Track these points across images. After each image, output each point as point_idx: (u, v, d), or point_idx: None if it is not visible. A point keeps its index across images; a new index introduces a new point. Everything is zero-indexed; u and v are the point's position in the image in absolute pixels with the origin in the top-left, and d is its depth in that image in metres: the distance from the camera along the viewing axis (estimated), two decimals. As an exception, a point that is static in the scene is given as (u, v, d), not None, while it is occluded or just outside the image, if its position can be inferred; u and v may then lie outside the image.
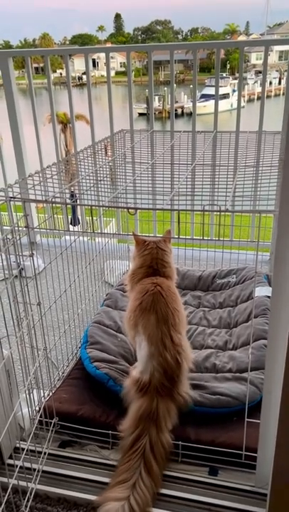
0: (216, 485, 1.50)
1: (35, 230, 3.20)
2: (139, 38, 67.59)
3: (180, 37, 69.30)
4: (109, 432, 1.64)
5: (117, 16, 71.74)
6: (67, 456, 1.64)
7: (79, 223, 3.49)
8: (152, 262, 1.89)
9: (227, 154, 2.28)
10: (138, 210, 3.11)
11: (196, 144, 2.48)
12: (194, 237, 2.83)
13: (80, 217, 3.69)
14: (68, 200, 1.87)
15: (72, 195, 2.01)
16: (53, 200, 1.49)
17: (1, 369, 1.49)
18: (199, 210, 1.33)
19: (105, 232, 3.32)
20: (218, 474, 1.55)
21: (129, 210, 1.32)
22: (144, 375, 1.62)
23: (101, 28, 70.78)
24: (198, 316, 2.32)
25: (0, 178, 3.30)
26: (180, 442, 1.57)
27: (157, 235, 2.96)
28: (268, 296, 2.20)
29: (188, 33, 68.92)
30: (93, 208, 2.83)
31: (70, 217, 4.20)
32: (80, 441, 1.70)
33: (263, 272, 2.54)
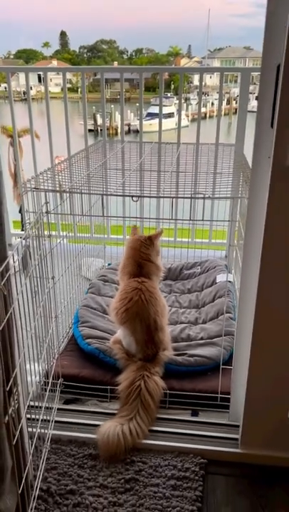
0: (197, 421, 1.89)
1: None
2: (85, 55, 68.35)
3: (125, 56, 70.82)
4: (108, 387, 1.98)
5: (62, 34, 72.17)
6: (73, 409, 1.96)
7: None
8: (135, 253, 2.25)
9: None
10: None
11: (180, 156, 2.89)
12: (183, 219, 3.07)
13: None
14: None
15: None
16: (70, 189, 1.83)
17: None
18: (185, 197, 1.73)
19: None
20: (199, 415, 1.93)
21: (133, 198, 1.70)
22: (135, 357, 2.10)
23: (46, 45, 70.80)
24: (171, 299, 2.72)
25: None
26: (167, 391, 1.94)
27: (127, 237, 3.32)
28: (229, 281, 2.65)
29: (133, 53, 70.60)
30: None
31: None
32: (82, 398, 2.02)
33: (223, 263, 2.98)
